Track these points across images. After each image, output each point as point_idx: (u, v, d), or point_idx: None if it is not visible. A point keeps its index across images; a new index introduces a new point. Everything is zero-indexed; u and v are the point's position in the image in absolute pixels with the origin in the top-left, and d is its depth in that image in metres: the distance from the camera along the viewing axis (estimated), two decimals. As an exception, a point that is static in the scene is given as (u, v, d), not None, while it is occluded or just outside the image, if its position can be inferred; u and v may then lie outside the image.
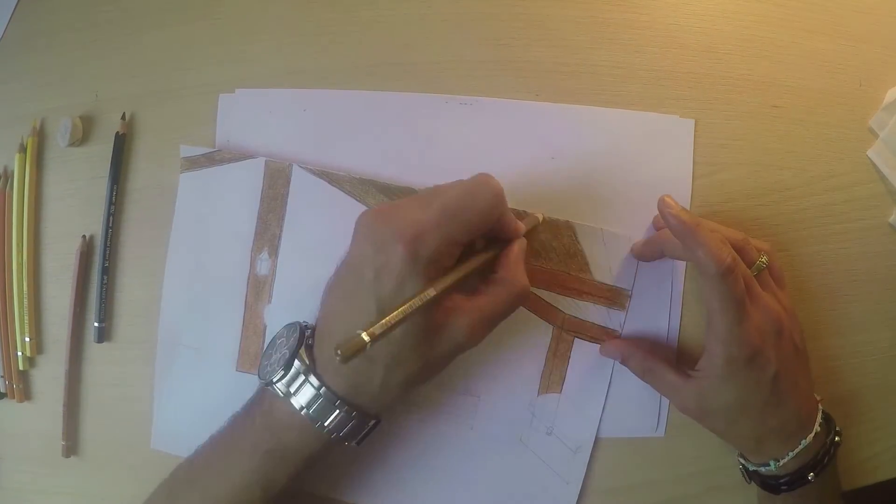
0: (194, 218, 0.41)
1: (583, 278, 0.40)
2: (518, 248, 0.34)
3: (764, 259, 0.37)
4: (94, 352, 0.43)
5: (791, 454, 0.35)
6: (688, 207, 0.40)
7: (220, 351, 0.41)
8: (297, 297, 0.40)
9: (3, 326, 0.43)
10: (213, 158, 0.41)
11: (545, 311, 0.40)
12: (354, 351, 0.25)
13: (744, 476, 0.39)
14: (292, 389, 0.32)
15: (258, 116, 0.41)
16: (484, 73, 0.41)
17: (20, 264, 0.43)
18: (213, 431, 0.35)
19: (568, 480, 0.40)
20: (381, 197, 0.40)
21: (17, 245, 0.43)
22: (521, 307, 0.39)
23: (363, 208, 0.39)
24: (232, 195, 0.41)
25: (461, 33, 0.41)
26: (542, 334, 0.40)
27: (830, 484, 0.36)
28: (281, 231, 0.40)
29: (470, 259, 0.32)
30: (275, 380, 0.32)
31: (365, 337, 0.25)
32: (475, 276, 0.33)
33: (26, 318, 0.43)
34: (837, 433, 0.37)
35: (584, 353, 0.40)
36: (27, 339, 0.43)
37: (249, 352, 0.41)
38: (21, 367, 0.43)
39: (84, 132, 0.43)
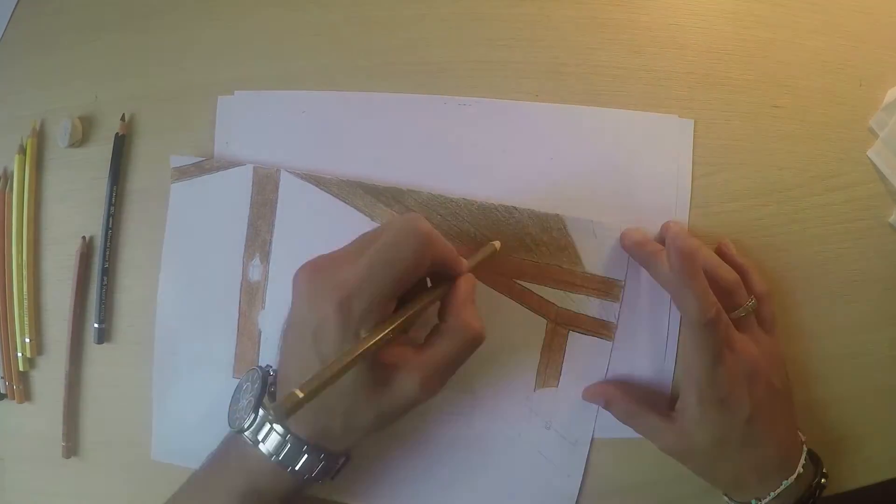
0: (186, 227, 0.41)
1: (574, 271, 0.39)
2: (464, 288, 0.32)
3: (751, 303, 0.37)
4: (94, 353, 0.43)
5: (773, 494, 0.35)
6: (687, 207, 0.40)
7: (217, 359, 0.41)
8: (289, 301, 0.40)
9: (3, 327, 0.43)
10: (202, 167, 0.41)
11: (537, 306, 0.40)
12: (289, 409, 0.25)
13: None
14: (260, 437, 0.32)
15: (257, 118, 0.41)
16: (484, 74, 0.41)
17: (20, 265, 0.43)
18: (195, 469, 0.36)
19: (569, 473, 0.41)
20: (368, 198, 0.40)
21: (17, 246, 0.43)
22: (514, 302, 0.40)
23: (352, 210, 0.40)
24: (222, 203, 0.41)
25: (461, 33, 0.41)
26: (536, 329, 0.40)
27: None
28: (271, 236, 0.41)
29: (405, 308, 0.31)
30: (244, 427, 0.33)
31: (299, 394, 0.26)
32: (426, 319, 0.32)
33: (26, 318, 0.43)
34: (824, 475, 0.37)
35: (579, 346, 0.40)
36: (27, 340, 0.43)
37: (245, 358, 0.41)
38: (21, 368, 0.43)
39: (84, 133, 0.43)
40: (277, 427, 0.32)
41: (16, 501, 0.44)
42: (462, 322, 0.31)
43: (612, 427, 0.40)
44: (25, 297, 0.43)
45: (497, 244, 0.38)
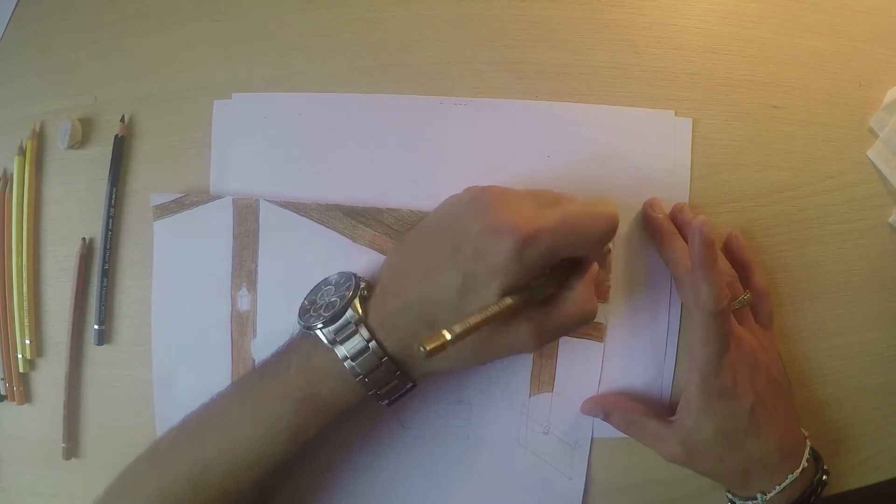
0: (173, 263, 0.41)
1: None
2: (594, 269, 0.34)
3: (746, 297, 0.38)
4: (95, 354, 0.43)
5: (778, 488, 0.36)
6: (686, 206, 0.40)
7: (215, 390, 0.41)
8: (280, 327, 0.40)
9: (4, 329, 0.43)
10: (182, 203, 0.41)
11: None
12: (437, 347, 0.26)
13: None
14: (339, 338, 0.31)
15: (253, 121, 0.41)
16: (484, 75, 0.41)
17: (20, 267, 0.43)
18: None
19: (571, 476, 0.41)
20: (347, 220, 0.40)
21: (17, 247, 0.43)
22: None
23: (333, 233, 0.40)
24: (205, 236, 0.41)
25: (461, 34, 0.41)
26: None
27: None
28: (256, 266, 0.41)
29: (553, 273, 0.32)
30: (321, 325, 0.31)
31: (447, 335, 0.26)
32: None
33: (26, 320, 0.43)
34: (825, 472, 0.37)
35: (570, 349, 0.40)
36: (27, 342, 0.43)
37: None
38: (21, 370, 0.43)
39: (83, 134, 0.43)
40: (363, 330, 0.31)
41: (15, 503, 0.44)
42: (587, 296, 0.33)
43: (611, 427, 0.40)
44: (25, 298, 0.43)
45: (609, 245, 0.39)
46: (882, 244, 0.42)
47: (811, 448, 0.38)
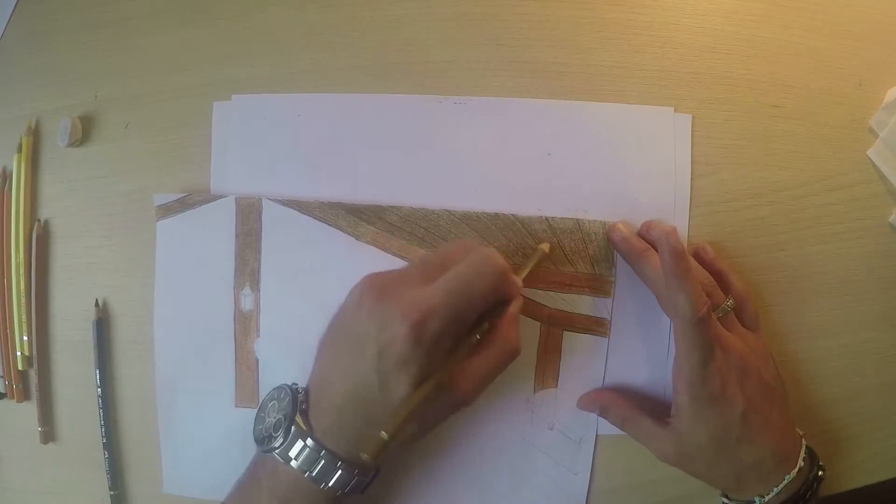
0: (175, 263, 0.41)
1: (563, 271, 0.39)
2: (513, 309, 0.34)
3: (729, 303, 0.38)
4: (92, 352, 0.43)
5: (775, 490, 0.36)
6: (687, 206, 0.40)
7: (218, 390, 0.41)
8: (283, 327, 0.41)
9: (3, 326, 0.43)
10: (185, 203, 0.41)
11: (529, 309, 0.40)
12: (379, 450, 0.29)
13: None
14: (292, 454, 0.32)
15: (253, 123, 0.41)
16: (484, 74, 0.41)
17: (18, 264, 0.43)
18: (224, 497, 0.35)
19: (576, 472, 0.41)
20: (350, 218, 0.40)
21: (16, 245, 0.43)
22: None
23: (335, 231, 0.40)
24: (208, 236, 0.41)
25: (460, 33, 0.41)
26: (530, 332, 0.40)
27: None
28: (259, 265, 0.41)
29: (471, 334, 0.33)
30: (275, 446, 0.32)
31: (384, 435, 0.29)
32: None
33: (24, 318, 0.43)
34: (821, 468, 0.37)
35: (574, 345, 0.40)
36: (25, 339, 0.43)
37: (245, 387, 0.41)
38: (20, 367, 0.43)
39: (83, 132, 0.43)
40: (310, 442, 0.32)
41: (15, 501, 0.44)
42: (506, 338, 0.33)
43: (614, 424, 0.40)
44: (24, 296, 0.43)
45: (546, 247, 0.38)
46: (882, 244, 0.42)
47: (806, 447, 0.37)
